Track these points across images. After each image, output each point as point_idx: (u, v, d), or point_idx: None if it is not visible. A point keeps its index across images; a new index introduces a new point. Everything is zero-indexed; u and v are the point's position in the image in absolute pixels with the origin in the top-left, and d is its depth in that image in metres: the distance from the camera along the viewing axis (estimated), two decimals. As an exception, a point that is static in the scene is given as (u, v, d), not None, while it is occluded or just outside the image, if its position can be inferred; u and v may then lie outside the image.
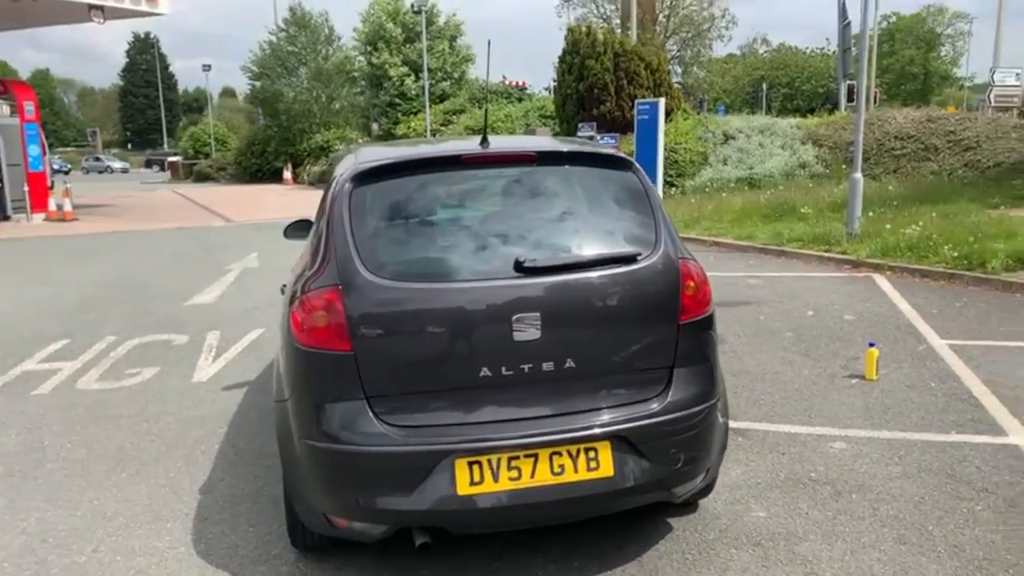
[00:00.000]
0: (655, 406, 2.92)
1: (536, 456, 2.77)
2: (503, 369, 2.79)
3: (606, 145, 5.06)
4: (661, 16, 38.90)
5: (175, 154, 52.23)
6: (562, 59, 21.29)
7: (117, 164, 61.94)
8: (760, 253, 10.69)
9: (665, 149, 15.59)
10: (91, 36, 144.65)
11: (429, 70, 34.79)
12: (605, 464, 2.81)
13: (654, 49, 23.50)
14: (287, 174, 34.95)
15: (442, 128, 30.90)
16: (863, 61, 10.71)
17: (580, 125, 18.91)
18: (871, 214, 10.75)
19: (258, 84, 37.76)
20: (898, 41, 62.08)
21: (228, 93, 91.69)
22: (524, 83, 34.69)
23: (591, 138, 16.07)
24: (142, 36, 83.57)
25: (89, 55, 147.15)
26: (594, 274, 2.91)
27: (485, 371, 2.78)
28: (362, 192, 2.99)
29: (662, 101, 14.89)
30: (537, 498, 2.76)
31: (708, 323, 3.13)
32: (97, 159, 62.02)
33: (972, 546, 3.22)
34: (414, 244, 3.01)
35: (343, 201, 2.97)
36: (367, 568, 3.17)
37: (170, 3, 20.84)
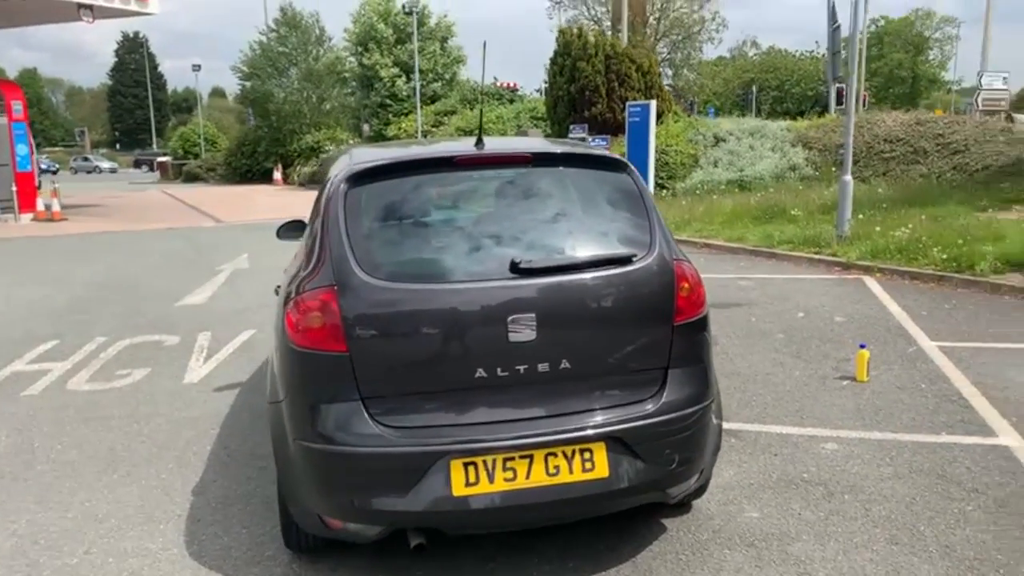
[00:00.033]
0: (650, 407, 2.93)
1: (531, 457, 2.77)
2: (498, 370, 2.79)
3: (599, 147, 5.07)
4: (651, 18, 39.02)
5: (164, 154, 51.98)
6: (553, 61, 21.30)
7: (105, 164, 61.56)
8: (751, 255, 10.73)
9: (656, 151, 15.62)
10: (79, 35, 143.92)
11: (420, 71, 34.78)
12: (600, 465, 2.81)
13: (645, 51, 23.53)
14: (277, 175, 34.85)
15: (433, 129, 30.91)
16: (853, 64, 10.78)
17: (571, 127, 18.93)
18: (861, 216, 10.81)
19: (248, 84, 37.68)
20: (886, 45, 62.44)
21: (218, 93, 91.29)
22: (515, 84, 34.79)
23: (583, 140, 16.10)
24: (131, 36, 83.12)
25: (77, 54, 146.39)
26: (589, 275, 2.92)
27: (480, 372, 2.78)
28: (357, 193, 2.99)
29: (653, 103, 14.93)
30: (532, 499, 2.76)
31: (702, 324, 3.15)
32: (85, 159, 61.64)
33: (963, 546, 3.24)
34: (409, 245, 3.01)
35: (338, 201, 2.96)
36: (361, 569, 3.17)
37: (160, 3, 20.77)
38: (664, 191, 16.59)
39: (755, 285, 8.72)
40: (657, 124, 15.86)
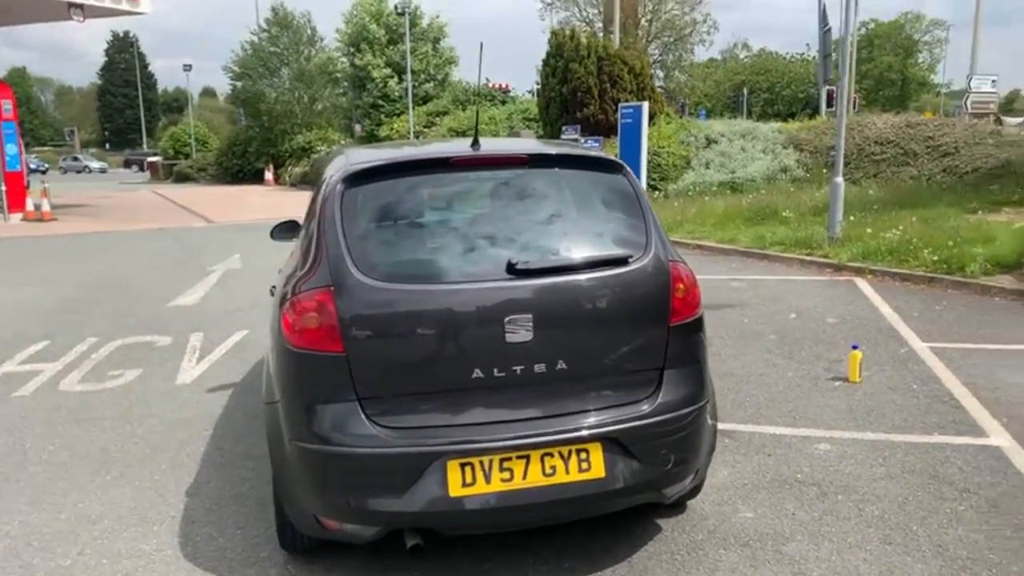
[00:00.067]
0: (646, 408, 2.94)
1: (528, 457, 2.78)
2: (495, 371, 2.80)
3: (593, 148, 5.09)
4: (643, 20, 39.14)
5: (154, 154, 51.74)
6: (546, 62, 21.34)
7: (95, 164, 61.21)
8: (743, 256, 10.77)
9: (648, 152, 15.67)
10: (69, 34, 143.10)
11: (412, 72, 34.75)
12: (596, 465, 2.82)
13: (637, 53, 23.60)
14: (268, 175, 34.76)
15: (425, 130, 30.88)
16: (844, 67, 10.83)
17: (564, 128, 18.97)
18: (852, 218, 10.87)
19: (239, 84, 37.55)
20: (876, 47, 62.74)
21: (208, 93, 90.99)
22: (507, 85, 34.81)
23: (575, 141, 16.13)
24: (121, 35, 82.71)
25: (66, 53, 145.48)
26: (586, 276, 2.92)
27: (477, 372, 2.79)
28: (354, 193, 2.99)
29: (645, 105, 14.99)
30: (529, 499, 2.77)
31: (698, 325, 3.16)
32: (75, 159, 61.27)
33: (956, 545, 3.27)
34: (406, 245, 3.01)
35: (334, 202, 2.96)
36: (357, 570, 3.16)
37: (151, 2, 20.69)
38: (656, 192, 16.63)
39: (747, 286, 8.75)
40: (649, 126, 15.91)
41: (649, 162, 15.99)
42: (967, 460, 4.08)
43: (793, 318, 7.20)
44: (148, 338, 7.00)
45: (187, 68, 52.39)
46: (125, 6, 19.84)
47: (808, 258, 9.94)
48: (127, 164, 62.63)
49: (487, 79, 35.55)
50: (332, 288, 2.78)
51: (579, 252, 3.01)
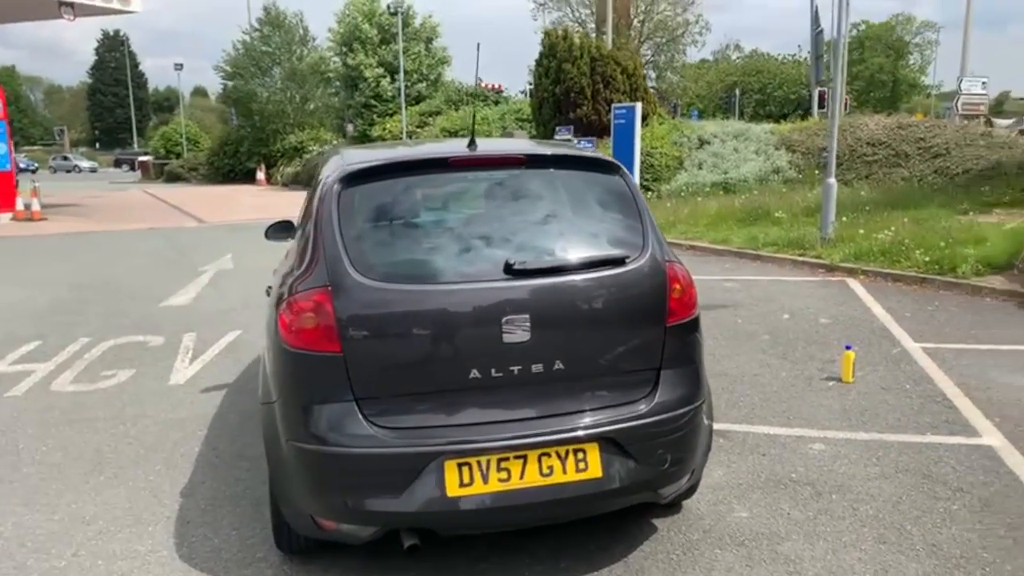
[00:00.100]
0: (643, 408, 2.94)
1: (525, 457, 2.78)
2: (492, 371, 2.80)
3: (587, 148, 5.09)
4: (636, 21, 39.18)
5: (145, 153, 51.55)
6: (539, 62, 21.35)
7: (85, 163, 60.96)
8: (736, 257, 10.80)
9: (641, 153, 15.68)
10: (58, 33, 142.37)
11: (405, 72, 34.71)
12: (593, 465, 2.83)
13: (630, 54, 23.63)
14: (260, 175, 34.65)
15: (418, 130, 30.85)
16: (837, 68, 10.87)
17: (557, 128, 18.98)
18: (844, 219, 10.91)
19: (231, 84, 37.42)
20: (868, 49, 63.05)
21: (199, 92, 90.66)
22: (500, 86, 34.81)
23: (568, 141, 16.13)
24: (111, 34, 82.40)
25: (56, 52, 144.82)
26: (583, 277, 2.93)
27: (475, 373, 2.79)
28: (351, 193, 2.99)
29: (639, 105, 14.97)
30: (526, 499, 2.77)
31: (694, 326, 3.17)
32: (65, 158, 60.95)
33: (949, 544, 3.29)
34: (404, 246, 3.01)
35: (331, 202, 2.96)
36: (354, 570, 3.16)
37: (142, 1, 20.61)
38: (649, 193, 16.66)
39: (740, 287, 8.78)
40: (642, 126, 15.92)
41: (642, 163, 16.00)
42: (960, 460, 4.10)
43: (786, 318, 7.22)
44: (140, 338, 6.97)
45: (178, 67, 52.25)
46: (116, 5, 19.78)
47: (801, 259, 9.97)
48: (117, 163, 62.37)
49: (480, 79, 35.55)
50: (329, 288, 2.78)
51: (576, 252, 3.02)
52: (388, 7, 35.78)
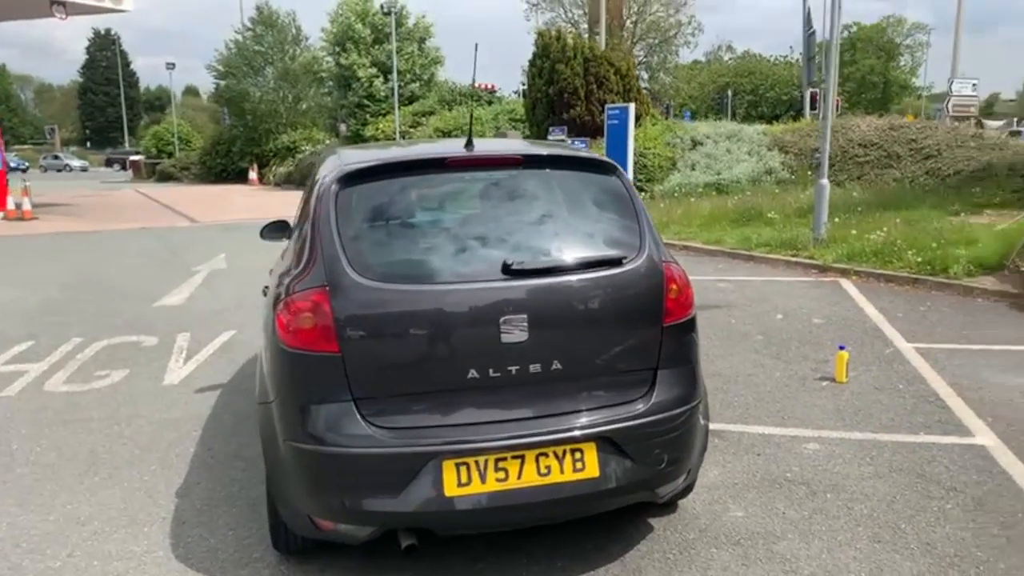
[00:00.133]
0: (640, 407, 2.95)
1: (523, 457, 2.79)
2: (490, 371, 2.80)
3: (581, 149, 5.10)
4: (628, 22, 39.25)
5: (136, 153, 51.34)
6: (532, 63, 21.37)
7: (76, 162, 60.65)
8: (729, 257, 10.83)
9: (634, 154, 15.71)
10: (49, 32, 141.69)
11: (398, 72, 34.68)
12: (591, 465, 2.84)
13: (623, 54, 23.68)
14: (253, 174, 34.57)
15: (411, 130, 30.82)
16: (830, 70, 10.91)
17: (551, 129, 19.00)
18: (837, 220, 10.96)
19: (223, 83, 37.34)
20: (859, 50, 63.26)
21: (191, 92, 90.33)
22: (493, 86, 34.81)
23: (562, 141, 16.14)
24: (102, 32, 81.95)
25: (47, 51, 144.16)
26: (580, 277, 2.94)
27: (473, 373, 2.79)
28: (349, 193, 2.99)
29: (632, 106, 15.00)
30: (524, 499, 2.77)
31: (691, 326, 3.18)
32: (56, 157, 60.67)
33: (943, 543, 3.31)
34: (402, 246, 3.00)
35: (329, 202, 2.96)
36: (351, 571, 3.16)
37: (133, 0, 20.52)
38: (643, 194, 16.70)
39: (734, 287, 8.81)
40: (635, 127, 15.95)
41: (635, 163, 16.03)
42: (953, 459, 4.13)
43: (780, 319, 7.25)
44: (134, 338, 6.94)
45: (170, 67, 52.03)
46: (108, 3, 19.69)
47: (794, 259, 10.01)
48: (109, 163, 62.15)
49: (474, 79, 35.55)
50: (327, 288, 2.78)
51: (573, 253, 3.02)
52: (381, 7, 35.78)
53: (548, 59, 20.50)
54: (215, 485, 3.98)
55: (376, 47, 37.34)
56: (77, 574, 3.19)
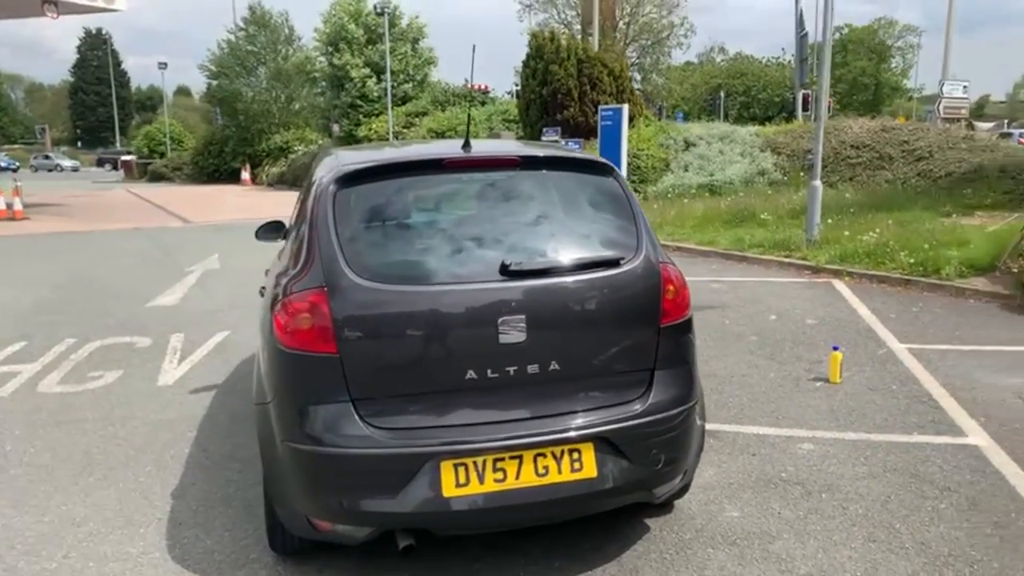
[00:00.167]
0: (637, 408, 2.96)
1: (521, 458, 2.79)
2: (488, 371, 2.81)
3: (574, 149, 5.12)
4: (621, 23, 39.28)
5: (128, 152, 51.16)
6: (526, 64, 21.38)
7: (67, 162, 60.38)
8: (722, 258, 10.86)
9: (628, 155, 15.73)
10: (39, 31, 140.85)
11: (391, 72, 34.63)
12: (588, 465, 2.84)
13: (616, 55, 23.72)
14: (245, 175, 34.50)
15: (404, 130, 30.78)
16: (823, 72, 10.95)
17: (545, 130, 19.01)
18: (829, 221, 11.00)
19: (216, 83, 37.24)
20: (850, 52, 63.49)
21: (183, 92, 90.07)
22: (486, 86, 34.79)
23: (556, 142, 16.16)
24: (93, 32, 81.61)
25: (37, 50, 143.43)
26: (578, 278, 2.95)
27: (471, 373, 2.80)
28: (347, 194, 2.99)
29: (626, 107, 15.02)
30: (522, 499, 2.78)
31: (687, 326, 3.20)
32: (46, 157, 60.38)
33: (938, 543, 3.33)
34: (400, 247, 3.00)
35: (327, 202, 2.96)
36: (348, 571, 3.16)
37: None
38: (636, 195, 16.71)
39: (727, 288, 8.84)
40: (629, 128, 15.98)
41: (629, 164, 16.06)
42: (946, 459, 4.16)
43: (773, 319, 7.28)
44: (127, 339, 6.92)
45: (162, 66, 51.89)
46: (100, 3, 19.61)
47: (787, 260, 10.05)
48: (100, 163, 61.87)
49: (466, 79, 35.53)
50: (325, 289, 2.78)
51: (571, 254, 3.03)
52: (374, 7, 35.68)
53: (542, 60, 20.52)
54: (211, 486, 3.97)
55: (369, 47, 37.27)
56: (73, 575, 3.18)
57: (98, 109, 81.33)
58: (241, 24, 37.34)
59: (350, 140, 32.94)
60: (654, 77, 42.96)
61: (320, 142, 34.18)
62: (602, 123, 15.09)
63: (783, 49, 52.52)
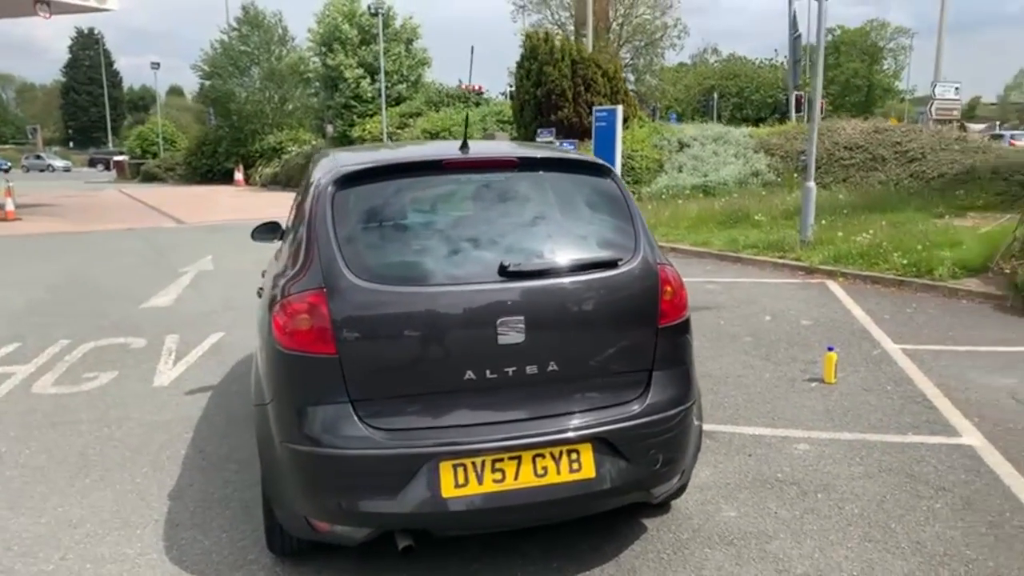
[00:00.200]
0: (635, 408, 2.98)
1: (519, 458, 2.80)
2: (487, 372, 2.82)
3: (569, 150, 5.13)
4: (615, 24, 39.35)
5: (120, 153, 50.98)
6: (520, 65, 21.39)
7: (59, 163, 60.16)
8: (717, 259, 10.89)
9: (622, 156, 15.75)
10: (30, 31, 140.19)
11: (385, 73, 34.61)
12: (587, 466, 2.85)
13: (610, 56, 23.77)
14: (238, 175, 34.42)
15: (398, 131, 30.76)
16: (817, 73, 10.99)
17: (539, 130, 19.01)
18: (823, 222, 11.04)
19: (209, 83, 37.17)
20: (843, 54, 63.70)
21: (175, 92, 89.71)
22: (480, 87, 34.81)
23: (550, 143, 16.17)
24: (85, 32, 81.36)
25: (28, 50, 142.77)
26: (576, 279, 2.96)
27: (470, 374, 2.80)
28: (345, 195, 2.99)
29: (620, 108, 15.04)
30: (521, 500, 2.79)
31: (685, 327, 3.21)
32: (38, 157, 60.08)
33: (933, 542, 3.35)
34: (399, 248, 3.01)
35: (325, 203, 2.96)
36: (347, 572, 3.16)
37: (119, -1, 20.39)
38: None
39: (722, 289, 8.86)
40: (623, 129, 16.00)
41: (623, 165, 16.08)
42: (941, 459, 4.18)
43: (768, 320, 7.30)
44: (122, 340, 6.90)
45: (155, 66, 51.72)
46: (93, 3, 19.55)
47: (781, 261, 10.08)
48: (92, 163, 61.64)
49: (460, 80, 35.55)
50: (324, 290, 2.78)
51: (569, 255, 3.04)
52: (368, 8, 35.67)
53: (536, 61, 20.53)
54: (208, 487, 3.97)
55: (363, 48, 37.22)
56: (70, 577, 3.18)
57: (90, 109, 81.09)
58: (234, 24, 37.31)
59: (344, 141, 32.91)
60: (648, 78, 43.04)
61: (314, 143, 34.14)
62: (597, 124, 15.10)
63: (776, 50, 52.85)
